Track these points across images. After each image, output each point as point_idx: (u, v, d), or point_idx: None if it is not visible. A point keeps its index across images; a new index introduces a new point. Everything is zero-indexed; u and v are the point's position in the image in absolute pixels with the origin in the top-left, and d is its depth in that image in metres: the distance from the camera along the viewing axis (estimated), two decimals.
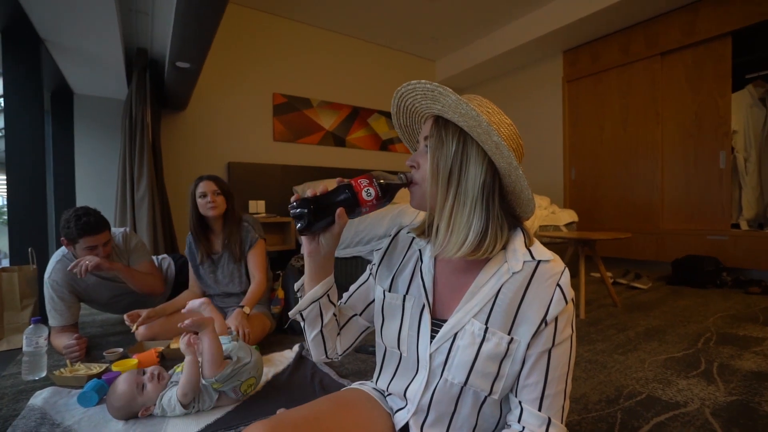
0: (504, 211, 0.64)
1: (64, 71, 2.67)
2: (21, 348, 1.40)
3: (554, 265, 0.61)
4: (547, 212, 3.26)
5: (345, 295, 0.80)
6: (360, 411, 0.69)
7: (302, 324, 0.72)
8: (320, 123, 4.23)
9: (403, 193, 2.96)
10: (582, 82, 4.12)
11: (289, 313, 0.72)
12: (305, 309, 0.70)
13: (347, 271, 2.79)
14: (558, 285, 0.59)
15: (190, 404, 1.10)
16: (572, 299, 0.61)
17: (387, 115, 4.70)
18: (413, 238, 0.76)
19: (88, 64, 2.58)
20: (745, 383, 1.29)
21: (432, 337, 0.65)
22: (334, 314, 0.73)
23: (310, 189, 0.64)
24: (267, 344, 1.71)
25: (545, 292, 0.59)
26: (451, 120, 0.61)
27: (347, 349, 0.76)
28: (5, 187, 2.11)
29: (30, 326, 1.37)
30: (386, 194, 0.64)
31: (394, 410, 0.70)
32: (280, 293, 1.94)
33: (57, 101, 3.07)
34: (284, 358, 1.53)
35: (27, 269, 1.88)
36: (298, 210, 0.61)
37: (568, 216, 3.35)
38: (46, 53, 2.33)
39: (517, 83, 4.76)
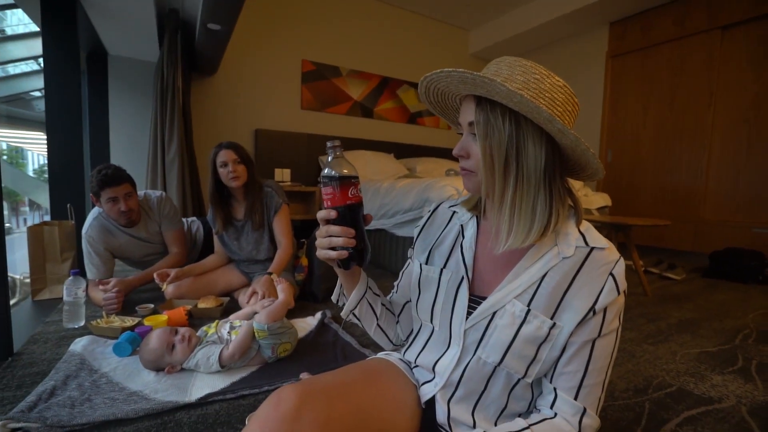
0: (565, 187, 0.60)
1: (99, 31, 2.68)
2: (62, 297, 1.48)
3: (608, 254, 0.57)
4: (580, 195, 3.13)
5: (395, 285, 0.82)
6: (387, 380, 0.68)
7: (360, 323, 0.76)
8: (349, 93, 4.15)
9: (428, 166, 2.88)
10: (628, 57, 3.84)
11: (341, 314, 0.75)
12: (355, 308, 0.73)
13: (371, 244, 2.79)
14: (611, 274, 0.56)
15: (227, 365, 1.15)
16: (624, 291, 0.57)
17: (416, 87, 4.55)
18: (454, 213, 0.73)
19: (122, 23, 2.58)
20: None
21: (468, 314, 0.63)
22: (383, 304, 0.77)
23: (332, 245, 0.60)
24: (290, 311, 1.73)
25: (596, 281, 0.56)
26: (499, 101, 0.55)
27: (410, 333, 0.78)
28: (46, 145, 2.19)
29: (70, 278, 1.44)
30: (346, 177, 0.59)
31: (421, 382, 0.69)
32: (304, 261, 1.95)
33: (92, 62, 3.11)
34: (307, 324, 1.55)
35: (66, 224, 1.97)
36: (349, 262, 0.61)
37: (602, 200, 3.22)
38: (82, 12, 2.33)
39: (556, 57, 4.48)
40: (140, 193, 1.85)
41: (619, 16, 3.81)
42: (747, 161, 3.12)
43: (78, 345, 1.25)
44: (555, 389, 0.58)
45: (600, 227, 2.40)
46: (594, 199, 3.16)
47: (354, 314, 0.74)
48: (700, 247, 3.31)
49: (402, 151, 4.31)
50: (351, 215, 0.60)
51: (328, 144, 0.60)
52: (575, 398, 0.56)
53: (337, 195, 0.59)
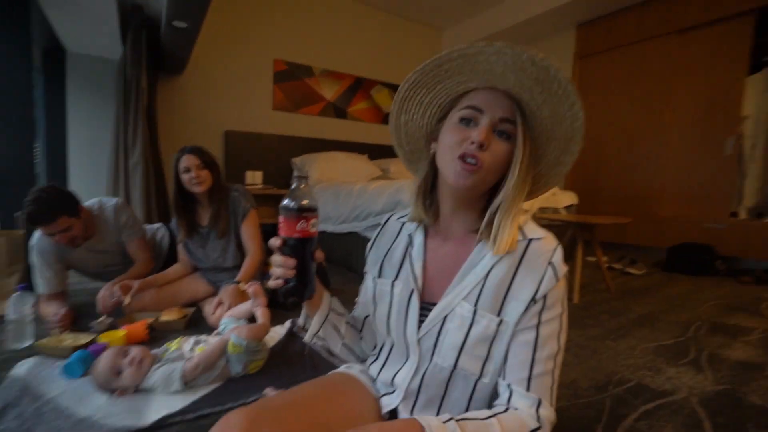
0: None
1: (55, 25, 2.52)
2: (4, 315, 1.38)
3: (545, 243, 0.59)
4: (548, 194, 3.21)
5: (356, 301, 0.81)
6: (346, 396, 0.68)
7: (326, 343, 0.75)
8: (321, 93, 4.10)
9: (401, 167, 2.88)
10: (594, 58, 3.96)
11: (305, 339, 0.74)
12: (318, 331, 0.72)
13: (344, 246, 2.77)
14: (550, 263, 0.57)
15: (190, 382, 1.09)
16: (565, 275, 0.59)
17: (390, 87, 4.55)
18: (403, 224, 0.74)
19: (80, 17, 2.42)
20: (733, 373, 1.29)
21: (421, 322, 0.63)
22: (348, 322, 0.76)
23: (275, 275, 0.60)
24: None
25: (537, 271, 0.57)
26: (536, 115, 0.59)
27: (375, 346, 0.77)
28: None
29: (16, 293, 1.35)
30: (301, 208, 0.59)
31: (381, 393, 0.69)
32: None
33: (49, 59, 2.93)
34: (275, 333, 1.52)
35: (15, 233, 1.85)
36: (289, 297, 0.61)
37: (569, 198, 3.30)
38: (34, 4, 2.19)
39: None
40: (94, 201, 1.75)
41: (585, 18, 3.91)
42: (700, 159, 3.27)
43: (21, 368, 1.16)
44: (509, 385, 0.57)
45: (566, 226, 2.46)
46: (561, 198, 3.24)
47: (319, 336, 0.73)
48: (660, 242, 3.46)
49: (376, 152, 4.29)
50: (297, 248, 0.59)
51: (295, 173, 0.61)
52: (527, 389, 0.56)
53: (287, 226, 0.59)
